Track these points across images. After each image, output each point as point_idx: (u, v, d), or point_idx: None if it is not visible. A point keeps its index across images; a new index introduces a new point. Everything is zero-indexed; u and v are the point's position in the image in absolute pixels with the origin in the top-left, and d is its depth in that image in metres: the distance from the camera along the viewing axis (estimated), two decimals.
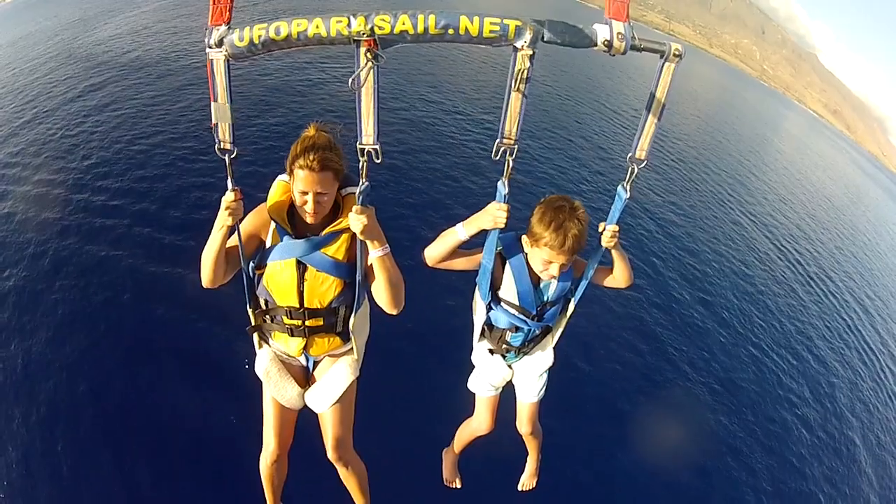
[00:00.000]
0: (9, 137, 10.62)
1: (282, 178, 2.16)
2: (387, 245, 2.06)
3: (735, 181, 19.33)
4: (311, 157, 1.93)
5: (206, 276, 2.10)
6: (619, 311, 8.42)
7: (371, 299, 2.27)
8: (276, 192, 2.14)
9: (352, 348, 2.36)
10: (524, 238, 2.23)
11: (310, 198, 2.00)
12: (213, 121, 1.81)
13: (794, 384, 9.07)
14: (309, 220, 2.08)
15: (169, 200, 8.41)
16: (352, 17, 1.57)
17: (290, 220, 2.13)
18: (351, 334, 2.29)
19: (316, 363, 2.45)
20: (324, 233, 2.12)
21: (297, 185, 2.00)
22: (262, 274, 2.19)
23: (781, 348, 9.86)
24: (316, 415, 2.47)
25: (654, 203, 13.01)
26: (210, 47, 1.68)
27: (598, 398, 6.90)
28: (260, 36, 1.62)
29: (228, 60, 1.70)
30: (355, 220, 1.92)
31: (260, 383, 2.43)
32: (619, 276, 2.34)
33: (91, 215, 8.05)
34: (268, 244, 2.16)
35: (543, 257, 2.16)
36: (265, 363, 2.38)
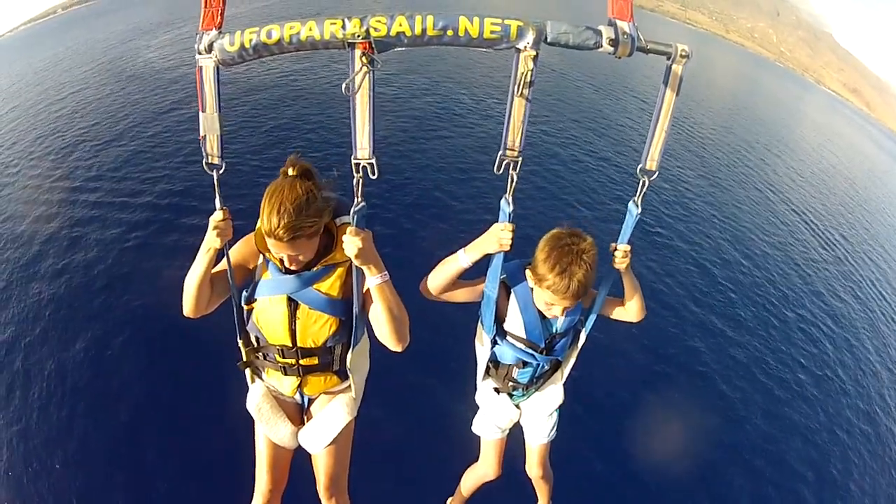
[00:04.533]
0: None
1: None
2: (385, 272, 1.85)
3: (765, 168, 18.58)
4: (277, 225, 1.68)
5: (189, 303, 1.91)
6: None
7: (371, 334, 2.08)
8: None
9: (349, 386, 2.20)
10: (528, 272, 2.06)
11: (284, 258, 1.83)
12: (202, 133, 1.71)
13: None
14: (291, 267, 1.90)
15: None
16: (346, 20, 1.51)
17: None
18: (348, 372, 2.12)
19: (311, 400, 2.29)
20: (316, 267, 1.92)
21: (268, 245, 1.81)
22: (251, 309, 2.02)
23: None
24: (310, 453, 2.31)
25: (677, 192, 12.56)
26: (200, 53, 1.61)
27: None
28: (251, 40, 1.56)
29: (218, 67, 1.63)
30: (350, 242, 1.73)
31: (252, 420, 2.26)
32: (630, 308, 2.19)
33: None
34: (256, 276, 1.99)
35: (546, 299, 2.02)
36: (257, 399, 2.21)
